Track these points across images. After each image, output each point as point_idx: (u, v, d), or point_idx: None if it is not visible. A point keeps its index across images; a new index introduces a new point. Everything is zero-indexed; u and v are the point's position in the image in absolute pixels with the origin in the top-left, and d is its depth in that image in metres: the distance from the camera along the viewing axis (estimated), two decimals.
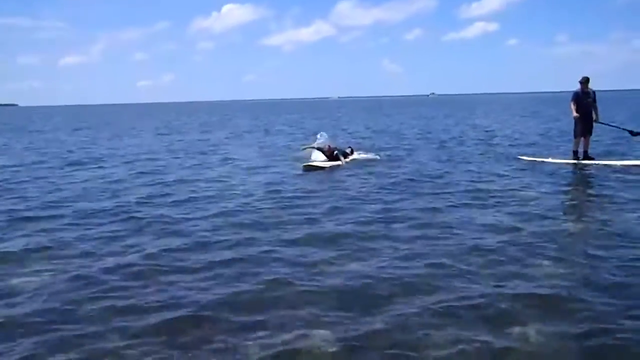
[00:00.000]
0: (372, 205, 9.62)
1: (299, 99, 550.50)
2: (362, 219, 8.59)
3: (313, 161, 15.15)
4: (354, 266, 6.27)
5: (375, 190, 11.13)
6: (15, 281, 6.00)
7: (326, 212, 9.06)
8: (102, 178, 13.75)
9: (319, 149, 15.70)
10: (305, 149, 16.49)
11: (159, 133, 34.57)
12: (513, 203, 9.64)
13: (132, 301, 5.35)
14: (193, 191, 11.56)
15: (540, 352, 4.24)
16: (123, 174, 14.53)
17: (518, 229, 7.75)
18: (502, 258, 6.44)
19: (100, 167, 16.20)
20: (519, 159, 15.61)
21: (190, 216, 9.09)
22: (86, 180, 13.42)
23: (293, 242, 7.32)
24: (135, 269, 6.33)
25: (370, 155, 16.85)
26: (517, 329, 4.58)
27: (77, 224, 8.64)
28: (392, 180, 12.44)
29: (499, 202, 9.79)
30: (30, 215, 9.35)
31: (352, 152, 16.66)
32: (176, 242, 7.45)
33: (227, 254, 6.84)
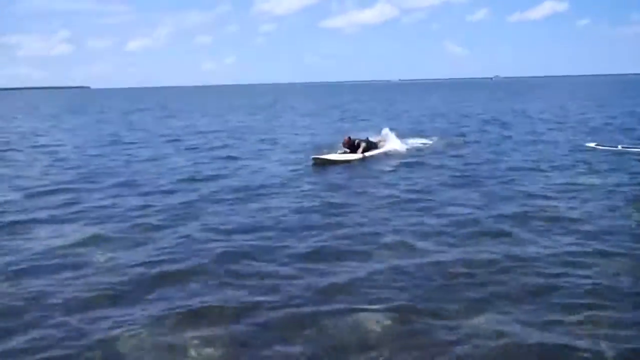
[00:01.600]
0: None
1: (360, 81, 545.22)
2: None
3: (324, 154, 13.58)
4: None
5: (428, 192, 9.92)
6: None
7: None
8: None
9: (344, 144, 14.07)
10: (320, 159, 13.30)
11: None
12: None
13: None
14: None
15: None
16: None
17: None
18: None
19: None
20: (587, 146, 14.88)
21: None
22: None
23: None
24: None
25: (398, 146, 15.17)
26: None
27: None
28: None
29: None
30: None
31: (377, 144, 14.86)
32: None
33: None
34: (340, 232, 7.34)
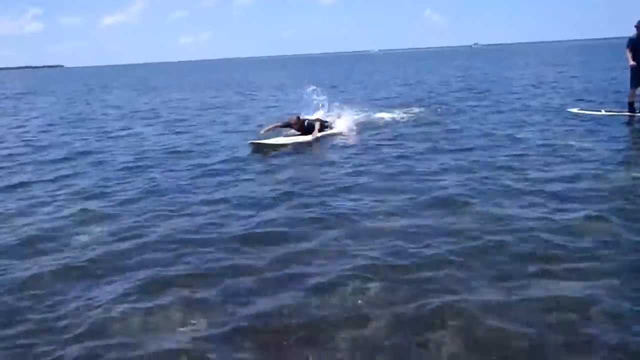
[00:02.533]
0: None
1: (339, 52, 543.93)
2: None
3: (262, 139, 11.61)
4: None
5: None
6: None
7: None
8: None
9: (285, 124, 12.37)
10: (266, 131, 12.03)
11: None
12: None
13: None
14: None
15: None
16: None
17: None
18: None
19: None
20: (569, 111, 14.35)
21: None
22: None
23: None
24: None
25: (348, 124, 13.35)
26: None
27: None
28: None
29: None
30: None
31: (330, 124, 13.02)
32: None
33: None
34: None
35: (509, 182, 7.63)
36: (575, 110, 14.38)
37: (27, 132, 16.56)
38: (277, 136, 12.01)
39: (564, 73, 33.15)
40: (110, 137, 14.38)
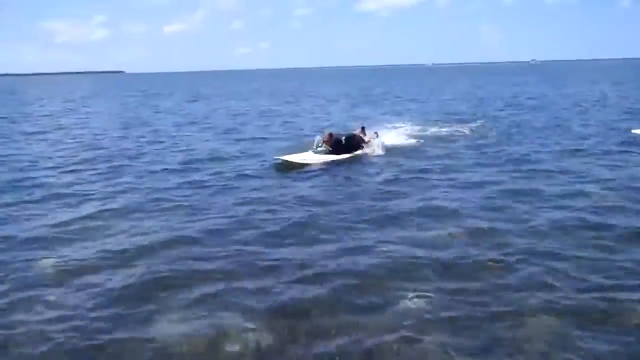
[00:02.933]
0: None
1: (392, 65, 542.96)
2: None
3: (288, 155, 10.91)
4: None
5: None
6: None
7: None
8: None
9: (317, 144, 11.68)
10: (285, 161, 10.88)
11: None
12: None
13: None
14: None
15: None
16: None
17: None
18: None
19: None
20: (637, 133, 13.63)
21: None
22: None
23: None
24: None
25: (377, 148, 12.28)
26: None
27: None
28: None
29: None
30: None
31: (363, 141, 12.09)
32: None
33: None
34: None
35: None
36: (638, 131, 13.72)
37: (83, 134, 17.32)
38: (306, 151, 11.47)
39: (624, 91, 31.76)
40: (159, 141, 14.57)
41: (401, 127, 15.27)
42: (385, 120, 16.66)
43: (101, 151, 13.28)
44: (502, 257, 5.45)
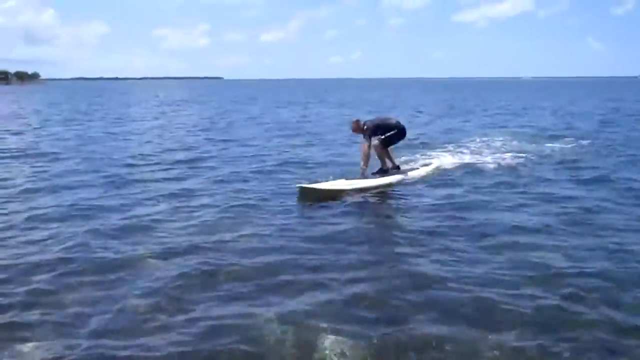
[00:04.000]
0: None
1: (489, 78, 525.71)
2: None
3: (315, 183, 8.65)
4: None
5: None
6: None
7: None
8: None
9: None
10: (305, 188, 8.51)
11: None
12: None
13: None
14: None
15: None
16: None
17: None
18: None
19: None
20: None
21: None
22: None
23: None
24: None
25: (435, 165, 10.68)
26: None
27: None
28: None
29: None
30: None
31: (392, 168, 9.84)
32: None
33: None
34: None
35: None
36: None
37: (174, 134, 18.36)
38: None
39: None
40: (245, 145, 15.17)
41: (488, 141, 14.73)
42: (475, 134, 16.31)
43: (194, 152, 13.95)
44: None
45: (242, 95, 63.50)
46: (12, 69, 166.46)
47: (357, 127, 9.75)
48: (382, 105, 37.95)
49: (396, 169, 9.87)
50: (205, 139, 16.74)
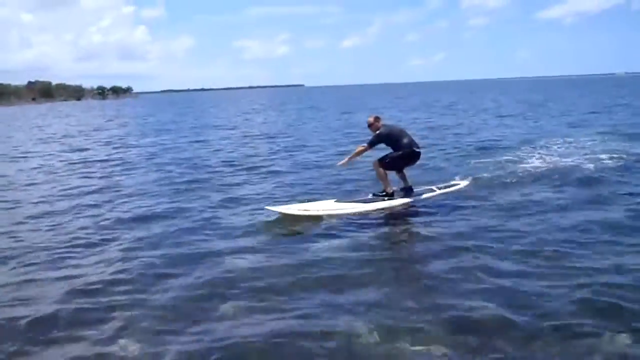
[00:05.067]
0: None
1: (579, 75, 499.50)
2: None
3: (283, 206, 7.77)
4: None
5: None
6: None
7: None
8: None
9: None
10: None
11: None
12: None
13: None
14: None
15: None
16: None
17: None
18: None
19: None
20: None
21: None
22: None
23: None
24: None
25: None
26: None
27: None
28: None
29: None
30: None
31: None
32: None
33: None
34: None
35: None
36: None
37: (248, 142, 18.95)
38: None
39: None
40: (313, 152, 15.40)
41: (573, 143, 14.03)
42: (561, 135, 15.59)
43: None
44: None
45: (322, 101, 64.26)
46: (108, 84, 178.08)
47: (373, 124, 8.38)
48: (454, 108, 36.84)
49: (390, 196, 8.18)
50: (282, 146, 17.13)
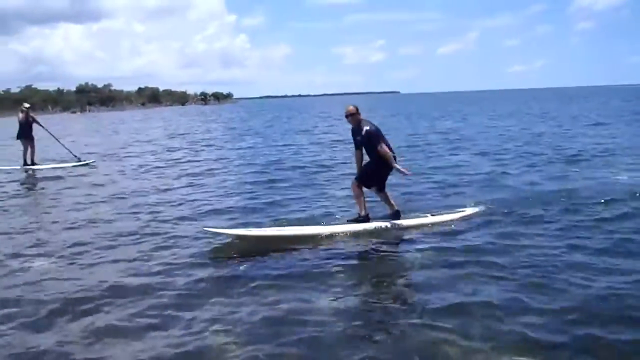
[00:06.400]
0: None
1: None
2: None
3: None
4: None
5: None
6: None
7: None
8: None
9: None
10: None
11: None
12: None
13: None
14: None
15: None
16: None
17: None
18: None
19: None
20: None
21: None
22: None
23: None
24: None
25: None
26: None
27: None
28: None
29: None
30: None
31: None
32: None
33: None
34: None
35: None
36: None
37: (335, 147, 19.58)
38: None
39: None
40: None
41: None
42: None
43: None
44: None
45: (420, 107, 63.83)
46: (210, 90, 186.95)
47: (355, 114, 7.21)
48: (547, 116, 35.37)
49: (365, 218, 7.16)
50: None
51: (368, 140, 6.97)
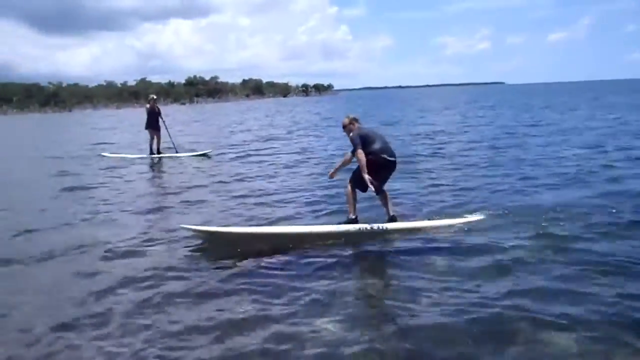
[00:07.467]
0: None
1: None
2: None
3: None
4: None
5: None
6: None
7: None
8: None
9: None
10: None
11: None
12: None
13: None
14: None
15: None
16: None
17: None
18: None
19: None
20: None
21: None
22: None
23: None
24: None
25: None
26: None
27: None
28: None
29: None
30: None
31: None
32: None
33: None
34: None
35: None
36: None
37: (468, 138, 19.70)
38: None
39: None
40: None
41: None
42: None
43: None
44: None
45: (526, 97, 60.96)
46: (311, 81, 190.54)
47: (348, 126, 7.37)
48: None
49: (353, 221, 7.14)
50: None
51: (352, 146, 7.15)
